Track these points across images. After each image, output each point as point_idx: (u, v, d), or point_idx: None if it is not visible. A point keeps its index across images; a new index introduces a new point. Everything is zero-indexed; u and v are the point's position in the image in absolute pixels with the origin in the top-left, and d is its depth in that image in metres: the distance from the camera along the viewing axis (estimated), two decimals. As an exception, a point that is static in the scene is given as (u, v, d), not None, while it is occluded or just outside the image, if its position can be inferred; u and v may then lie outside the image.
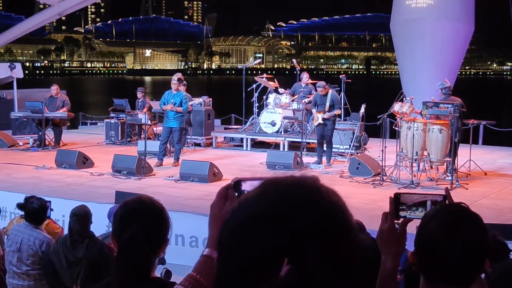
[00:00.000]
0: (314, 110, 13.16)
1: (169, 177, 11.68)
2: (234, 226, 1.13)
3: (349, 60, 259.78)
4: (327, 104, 12.78)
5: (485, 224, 1.82)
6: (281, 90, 15.63)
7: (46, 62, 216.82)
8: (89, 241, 5.35)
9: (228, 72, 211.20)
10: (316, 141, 13.40)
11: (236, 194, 1.36)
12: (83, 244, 5.33)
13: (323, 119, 12.80)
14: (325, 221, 1.10)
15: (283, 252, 1.08)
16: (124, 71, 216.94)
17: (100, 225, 7.21)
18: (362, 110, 14.14)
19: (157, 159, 12.85)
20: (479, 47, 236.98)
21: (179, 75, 13.41)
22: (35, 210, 5.69)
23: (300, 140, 13.67)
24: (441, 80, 12.10)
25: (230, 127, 18.05)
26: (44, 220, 5.93)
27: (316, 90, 13.51)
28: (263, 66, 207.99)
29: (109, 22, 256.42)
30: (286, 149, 14.36)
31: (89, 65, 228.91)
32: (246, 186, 1.36)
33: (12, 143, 15.49)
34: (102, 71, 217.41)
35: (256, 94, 15.91)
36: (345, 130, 13.91)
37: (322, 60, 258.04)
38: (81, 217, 5.44)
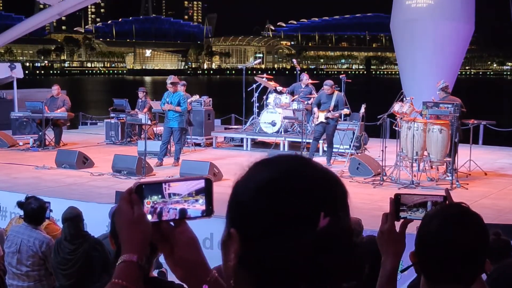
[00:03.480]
0: (315, 109, 13.07)
1: (169, 177, 11.64)
2: (259, 184, 1.12)
3: (349, 60, 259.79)
4: (332, 104, 12.70)
5: (486, 224, 1.82)
6: (278, 88, 15.62)
7: (46, 62, 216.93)
8: (82, 241, 5.35)
9: (228, 72, 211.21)
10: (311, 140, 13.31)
11: (139, 198, 1.34)
12: (76, 245, 5.33)
13: (326, 118, 12.73)
14: (335, 182, 1.15)
15: (316, 206, 1.09)
16: (124, 71, 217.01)
17: (100, 225, 7.21)
18: (362, 110, 14.12)
19: (157, 159, 12.86)
20: (479, 47, 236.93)
21: (171, 78, 13.27)
22: (33, 211, 5.65)
23: (300, 140, 13.66)
24: (440, 80, 12.14)
25: (230, 127, 18.04)
26: (43, 220, 5.90)
27: (316, 91, 13.44)
28: (263, 66, 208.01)
29: (109, 22, 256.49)
30: (286, 149, 14.35)
31: (89, 65, 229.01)
32: (173, 190, 1.35)
33: (12, 143, 15.48)
34: (102, 71, 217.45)
35: (256, 94, 15.89)
36: (345, 130, 13.90)
37: (322, 60, 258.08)
38: (73, 220, 5.42)
